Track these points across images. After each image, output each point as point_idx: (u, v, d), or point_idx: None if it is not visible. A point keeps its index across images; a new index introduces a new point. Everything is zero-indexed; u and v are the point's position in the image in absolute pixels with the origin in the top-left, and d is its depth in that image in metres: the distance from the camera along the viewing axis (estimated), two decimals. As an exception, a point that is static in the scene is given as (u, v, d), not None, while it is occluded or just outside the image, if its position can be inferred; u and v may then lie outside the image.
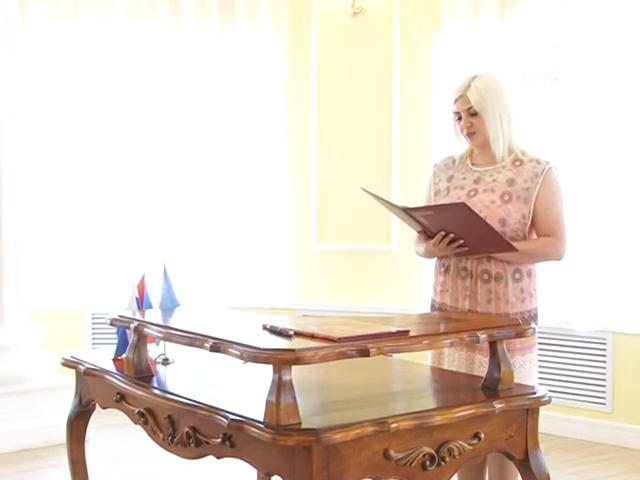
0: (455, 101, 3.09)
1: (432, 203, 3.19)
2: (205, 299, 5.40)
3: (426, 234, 3.04)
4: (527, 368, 3.01)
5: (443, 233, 2.97)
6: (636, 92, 4.76)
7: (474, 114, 3.05)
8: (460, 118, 3.09)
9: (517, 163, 3.05)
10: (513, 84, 4.86)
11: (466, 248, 2.98)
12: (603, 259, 4.87)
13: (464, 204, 2.88)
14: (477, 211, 2.99)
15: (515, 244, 2.96)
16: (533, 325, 2.70)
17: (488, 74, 3.11)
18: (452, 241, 2.97)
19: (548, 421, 4.37)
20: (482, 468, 3.17)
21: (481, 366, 2.98)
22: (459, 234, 2.95)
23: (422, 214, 2.99)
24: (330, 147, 5.61)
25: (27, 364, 4.84)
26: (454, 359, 3.07)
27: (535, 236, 3.08)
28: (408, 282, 5.45)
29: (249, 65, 5.70)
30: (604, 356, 4.92)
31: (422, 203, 3.29)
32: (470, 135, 3.09)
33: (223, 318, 2.93)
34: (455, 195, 3.11)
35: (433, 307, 3.19)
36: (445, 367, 3.07)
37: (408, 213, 2.99)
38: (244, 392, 2.61)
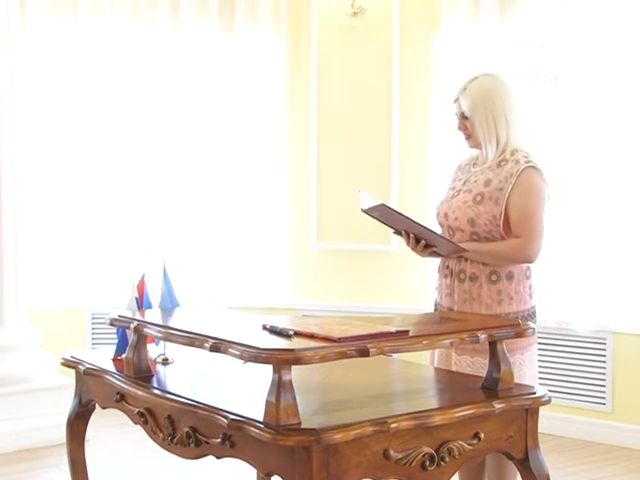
0: (454, 102, 3.12)
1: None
2: (205, 299, 5.40)
3: (399, 234, 3.06)
4: (516, 370, 2.99)
5: (404, 233, 2.99)
6: (636, 92, 4.76)
7: (466, 118, 3.06)
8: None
9: (502, 163, 3.04)
10: (514, 84, 4.86)
11: (433, 248, 2.99)
12: (603, 259, 4.87)
13: (383, 204, 2.89)
14: (452, 211, 3.03)
15: (476, 245, 2.98)
16: (533, 325, 2.69)
17: (487, 76, 3.08)
18: (419, 241, 2.98)
19: (548, 421, 4.38)
20: (481, 468, 3.17)
21: (455, 364, 3.01)
22: (419, 235, 2.97)
23: (375, 215, 2.99)
24: (330, 147, 5.61)
25: (27, 364, 4.84)
26: (436, 356, 3.11)
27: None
28: (408, 282, 5.45)
29: (249, 65, 5.70)
30: (604, 356, 4.92)
31: (427, 204, 3.31)
32: (465, 137, 3.12)
33: (223, 318, 2.93)
34: (445, 196, 3.17)
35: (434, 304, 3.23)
36: (435, 364, 3.11)
37: (366, 213, 2.99)
38: (244, 392, 2.61)
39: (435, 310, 3.17)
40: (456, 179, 3.19)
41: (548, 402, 2.56)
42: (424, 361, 3.21)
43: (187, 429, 2.45)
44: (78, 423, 3.09)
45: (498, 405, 2.43)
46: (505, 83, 3.09)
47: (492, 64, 5.04)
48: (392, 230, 3.08)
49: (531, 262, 3.04)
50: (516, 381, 2.65)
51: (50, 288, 5.71)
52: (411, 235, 2.98)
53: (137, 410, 2.69)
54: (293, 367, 2.17)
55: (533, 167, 2.99)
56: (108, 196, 5.70)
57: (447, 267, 3.09)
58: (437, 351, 3.10)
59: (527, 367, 3.03)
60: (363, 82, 5.53)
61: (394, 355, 2.44)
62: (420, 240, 2.98)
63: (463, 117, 3.07)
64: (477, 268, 3.02)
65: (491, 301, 3.00)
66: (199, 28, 5.60)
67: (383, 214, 2.95)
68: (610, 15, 4.77)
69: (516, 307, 3.03)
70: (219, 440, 2.33)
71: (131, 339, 2.73)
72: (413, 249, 3.03)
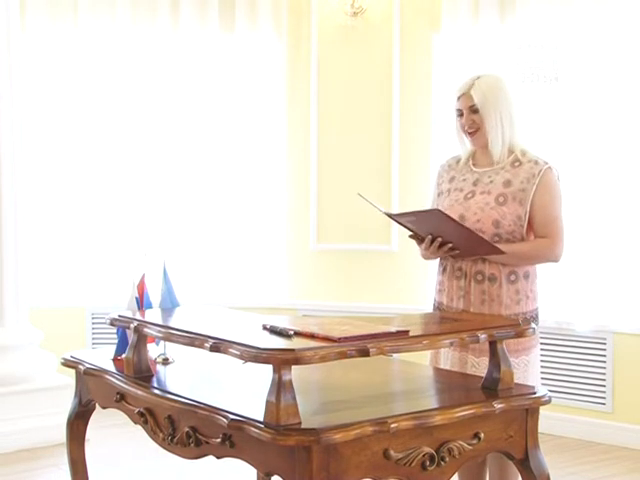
0: (458, 99, 3.10)
1: (435, 204, 3.20)
2: (205, 299, 5.40)
3: (417, 237, 3.05)
4: (521, 371, 2.99)
5: (431, 237, 2.98)
6: (636, 92, 4.76)
7: (476, 112, 3.05)
8: (462, 115, 3.09)
9: (516, 164, 3.05)
10: (514, 84, 4.86)
11: (457, 251, 2.99)
12: (603, 260, 4.87)
13: (438, 210, 2.90)
14: (472, 213, 3.02)
15: (508, 246, 2.98)
16: (533, 325, 2.69)
17: (492, 75, 3.12)
18: (442, 244, 2.98)
19: (548, 421, 4.38)
20: (482, 468, 3.17)
21: (473, 366, 3.00)
22: (447, 237, 2.96)
23: (406, 220, 3.00)
24: (330, 147, 5.61)
25: (27, 364, 4.84)
26: (448, 358, 3.09)
27: (533, 237, 3.08)
28: (408, 282, 5.45)
29: (249, 65, 5.70)
30: (604, 356, 4.92)
31: (427, 203, 3.30)
32: (471, 133, 3.09)
33: (223, 318, 2.93)
34: (454, 197, 3.12)
35: (434, 306, 3.21)
36: (441, 366, 3.10)
37: (393, 218, 3.00)
38: (244, 392, 2.61)
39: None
40: (455, 179, 3.17)
41: (548, 402, 2.56)
42: (424, 361, 3.20)
43: (187, 429, 2.45)
44: (78, 423, 3.09)
45: (498, 405, 2.43)
46: (508, 84, 3.12)
47: (492, 64, 5.04)
48: (410, 233, 3.07)
49: (557, 261, 3.08)
50: (521, 382, 2.65)
51: (50, 288, 5.71)
52: (438, 239, 2.97)
53: (137, 410, 2.69)
54: (293, 367, 2.17)
55: (551, 168, 3.02)
56: (108, 196, 5.70)
57: (459, 269, 3.07)
58: (446, 354, 3.09)
59: (531, 368, 3.03)
60: (363, 82, 5.53)
61: (394, 355, 2.44)
62: (445, 243, 2.97)
63: (472, 111, 3.06)
64: (496, 269, 3.02)
65: (510, 301, 3.02)
66: (199, 28, 5.60)
67: (422, 219, 2.95)
68: (610, 15, 4.77)
69: (531, 305, 3.07)
70: (219, 440, 2.33)
71: (131, 339, 2.73)
72: (433, 253, 3.03)
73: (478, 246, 2.95)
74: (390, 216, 3.01)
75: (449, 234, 2.95)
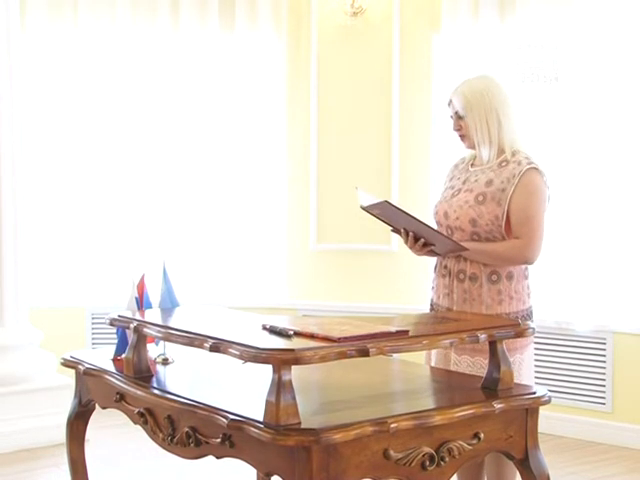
0: (448, 104, 3.14)
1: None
2: (205, 299, 5.40)
3: (397, 231, 3.06)
4: (514, 370, 2.98)
5: (404, 231, 2.99)
6: (636, 92, 4.76)
7: (461, 117, 3.07)
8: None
9: (503, 164, 3.04)
10: (512, 84, 4.86)
11: (432, 246, 2.99)
12: (603, 259, 4.87)
13: (386, 201, 2.88)
14: (452, 211, 3.03)
15: (480, 245, 2.98)
16: (532, 325, 2.69)
17: (480, 78, 3.11)
18: (417, 239, 2.98)
19: (548, 421, 4.38)
20: (481, 468, 3.17)
21: (455, 364, 3.01)
22: (419, 233, 2.96)
23: (375, 212, 2.99)
24: (330, 147, 5.61)
25: (27, 364, 4.84)
26: (435, 356, 3.11)
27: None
28: (408, 282, 5.45)
29: (249, 65, 5.70)
30: (604, 356, 4.92)
31: (428, 203, 3.31)
32: (460, 137, 3.13)
33: (223, 318, 2.93)
34: (444, 195, 3.16)
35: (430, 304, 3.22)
36: (432, 364, 3.11)
37: (365, 210, 3.00)
38: (244, 392, 2.61)
39: (431, 310, 3.17)
40: (454, 178, 3.19)
41: (548, 402, 2.56)
42: (420, 360, 3.20)
43: (187, 429, 2.45)
44: (78, 423, 3.09)
45: (498, 405, 2.43)
46: (499, 85, 3.09)
47: (492, 64, 5.04)
48: (391, 228, 3.08)
49: (530, 263, 3.04)
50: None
51: (50, 288, 5.71)
52: (410, 233, 2.98)
53: (137, 410, 2.69)
54: (293, 367, 2.17)
55: (535, 169, 3.00)
56: (108, 196, 5.70)
57: (445, 267, 3.08)
58: (435, 351, 3.10)
59: (524, 367, 3.03)
60: (363, 82, 5.53)
61: (394, 355, 2.44)
62: (419, 238, 2.98)
63: (458, 117, 3.09)
64: (477, 268, 3.02)
65: (491, 301, 3.01)
66: (199, 28, 5.60)
67: (384, 212, 2.95)
68: (610, 15, 4.77)
69: (516, 307, 3.03)
70: (219, 440, 2.33)
71: (131, 339, 2.74)
72: (411, 247, 3.04)
73: (439, 240, 2.95)
74: (363, 209, 3.00)
75: (414, 228, 2.95)
